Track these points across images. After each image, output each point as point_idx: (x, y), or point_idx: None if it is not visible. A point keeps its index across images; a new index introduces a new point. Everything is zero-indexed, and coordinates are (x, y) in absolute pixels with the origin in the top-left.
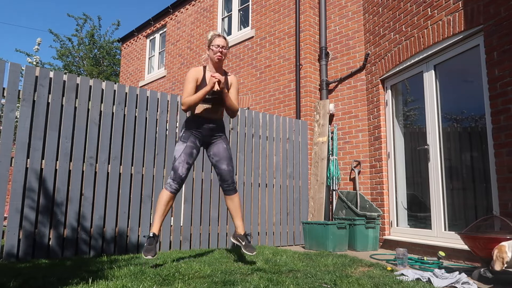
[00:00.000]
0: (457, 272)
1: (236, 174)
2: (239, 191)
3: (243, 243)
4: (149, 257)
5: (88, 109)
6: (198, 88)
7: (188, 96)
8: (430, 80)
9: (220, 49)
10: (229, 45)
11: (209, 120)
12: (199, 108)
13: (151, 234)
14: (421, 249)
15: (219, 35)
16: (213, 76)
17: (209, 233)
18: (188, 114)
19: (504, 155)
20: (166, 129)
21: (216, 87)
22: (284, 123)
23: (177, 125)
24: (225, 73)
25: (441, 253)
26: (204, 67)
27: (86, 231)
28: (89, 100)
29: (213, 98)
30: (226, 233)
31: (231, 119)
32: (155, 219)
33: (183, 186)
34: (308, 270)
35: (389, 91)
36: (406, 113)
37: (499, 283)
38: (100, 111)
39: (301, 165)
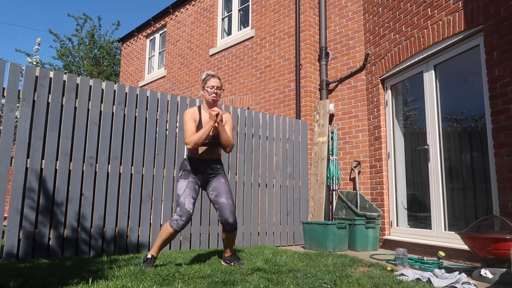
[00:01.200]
0: (457, 272)
1: (236, 174)
2: (238, 191)
3: (232, 264)
4: (150, 268)
5: (88, 109)
6: (196, 128)
7: (191, 135)
8: (430, 80)
9: (215, 90)
10: (229, 45)
11: (206, 161)
12: (196, 150)
13: (149, 256)
14: (421, 249)
15: (213, 76)
16: (213, 110)
17: (209, 233)
18: (185, 153)
19: (504, 155)
20: (166, 129)
21: (219, 119)
22: (284, 123)
23: (177, 125)
24: None
25: (441, 253)
26: (199, 107)
27: (86, 231)
28: (89, 100)
29: (210, 140)
30: None
31: None
32: (155, 244)
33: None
34: (308, 270)
35: (389, 91)
36: (406, 113)
37: (499, 283)
38: (100, 111)
39: (301, 165)
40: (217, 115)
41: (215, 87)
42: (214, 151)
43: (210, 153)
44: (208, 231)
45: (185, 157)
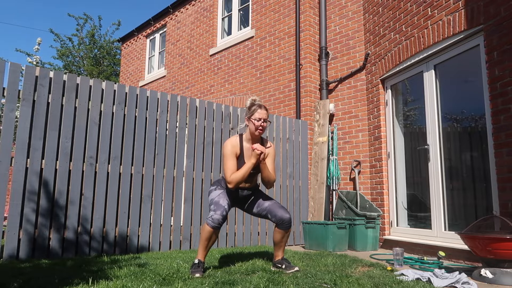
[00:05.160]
0: (457, 272)
1: None
2: None
3: (283, 266)
4: (197, 275)
5: (88, 109)
6: (237, 159)
7: (232, 172)
8: (430, 80)
9: (262, 123)
10: (230, 45)
11: (244, 188)
12: None
13: (196, 261)
14: (421, 249)
15: (260, 106)
16: (256, 149)
17: None
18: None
19: (504, 155)
20: (166, 129)
21: (262, 158)
22: (284, 123)
23: (177, 125)
24: (261, 141)
25: (441, 253)
26: (240, 137)
27: (86, 231)
28: (89, 100)
29: (251, 172)
30: (226, 233)
31: (231, 118)
32: (199, 249)
33: (183, 185)
34: (308, 270)
35: (389, 91)
36: (406, 113)
37: (499, 283)
38: (100, 111)
39: (301, 165)
40: (260, 154)
41: (262, 120)
42: (253, 180)
43: (249, 182)
44: None
45: (223, 177)
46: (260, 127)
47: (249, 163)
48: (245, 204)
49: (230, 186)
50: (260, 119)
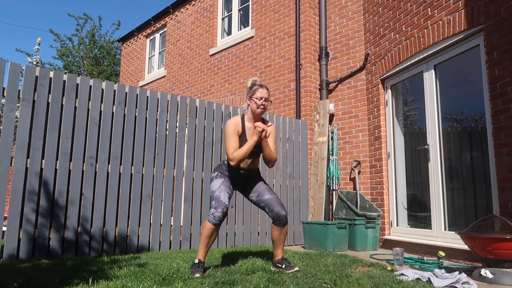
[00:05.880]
0: (457, 272)
1: None
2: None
3: (283, 266)
4: (197, 275)
5: (88, 109)
6: (239, 138)
7: (234, 150)
8: (430, 80)
9: (263, 102)
10: (230, 45)
11: (246, 170)
12: None
13: (196, 261)
14: (421, 249)
15: (261, 86)
16: (258, 127)
17: None
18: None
19: (504, 155)
20: (166, 129)
21: (264, 135)
22: (284, 123)
23: (177, 125)
24: (263, 121)
25: (441, 253)
26: (242, 117)
27: (86, 231)
28: (89, 100)
29: (252, 151)
30: (226, 233)
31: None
32: (199, 247)
33: (183, 185)
34: (308, 270)
35: (389, 91)
36: (406, 113)
37: (499, 283)
38: (100, 111)
39: (301, 165)
40: (262, 131)
41: (264, 99)
42: (255, 161)
43: (251, 164)
44: None
45: (224, 162)
46: (262, 106)
47: (251, 140)
48: (245, 188)
49: (232, 163)
50: (261, 98)
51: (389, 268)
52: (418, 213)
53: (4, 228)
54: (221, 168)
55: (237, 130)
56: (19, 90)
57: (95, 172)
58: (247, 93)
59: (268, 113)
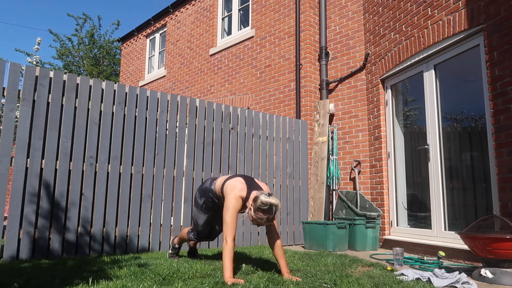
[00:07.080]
0: (457, 272)
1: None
2: None
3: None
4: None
5: (88, 109)
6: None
7: (233, 232)
8: (430, 80)
9: (258, 222)
10: (230, 45)
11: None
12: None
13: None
14: (421, 249)
15: (270, 212)
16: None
17: None
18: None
19: (504, 155)
20: (166, 129)
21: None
22: (284, 123)
23: (177, 125)
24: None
25: (441, 253)
26: (243, 199)
27: (86, 231)
28: (89, 100)
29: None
30: None
31: (231, 118)
32: (179, 238)
33: (183, 185)
34: (308, 270)
35: (389, 91)
36: (406, 113)
37: (499, 283)
38: (100, 111)
39: (301, 165)
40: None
41: (264, 220)
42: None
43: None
44: None
45: (214, 183)
46: (255, 222)
47: (227, 262)
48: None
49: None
50: (261, 219)
51: (389, 268)
52: (418, 213)
53: (5, 223)
54: (208, 195)
55: (238, 209)
56: (19, 90)
57: (95, 172)
58: (254, 198)
59: (268, 113)
